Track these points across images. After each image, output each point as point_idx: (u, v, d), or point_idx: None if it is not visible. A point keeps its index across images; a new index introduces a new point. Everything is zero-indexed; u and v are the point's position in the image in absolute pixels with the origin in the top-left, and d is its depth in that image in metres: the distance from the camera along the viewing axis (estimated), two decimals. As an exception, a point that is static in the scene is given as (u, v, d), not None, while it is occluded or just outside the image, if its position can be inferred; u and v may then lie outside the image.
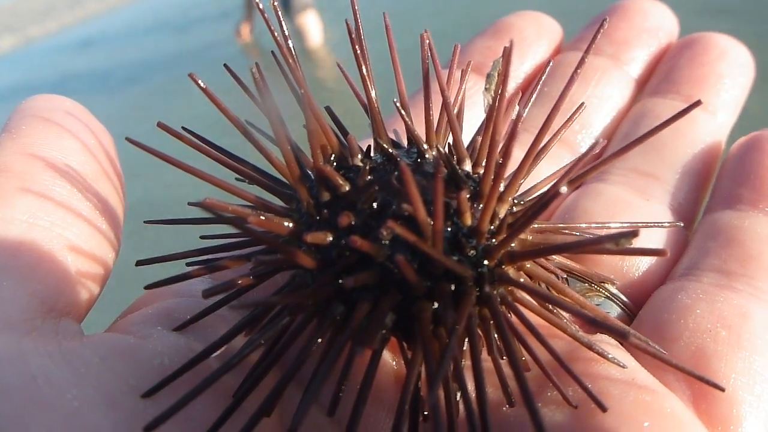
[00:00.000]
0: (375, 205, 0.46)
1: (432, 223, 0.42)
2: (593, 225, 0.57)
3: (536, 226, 0.52)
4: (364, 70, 0.52)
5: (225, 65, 0.54)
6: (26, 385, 0.40)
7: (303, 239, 0.43)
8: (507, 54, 0.48)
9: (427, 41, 0.54)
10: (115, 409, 0.41)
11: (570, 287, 0.52)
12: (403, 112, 0.51)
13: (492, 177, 0.43)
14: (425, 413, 0.47)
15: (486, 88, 0.51)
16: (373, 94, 0.51)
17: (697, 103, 0.46)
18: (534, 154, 0.50)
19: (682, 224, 0.62)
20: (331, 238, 0.44)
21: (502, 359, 0.46)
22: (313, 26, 5.55)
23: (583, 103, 0.58)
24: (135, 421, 0.41)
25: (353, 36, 0.52)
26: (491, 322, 0.45)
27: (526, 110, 0.57)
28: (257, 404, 0.44)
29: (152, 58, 6.33)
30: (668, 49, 0.79)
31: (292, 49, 0.50)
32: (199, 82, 0.50)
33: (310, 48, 5.40)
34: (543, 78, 0.56)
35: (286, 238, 0.46)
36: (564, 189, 0.39)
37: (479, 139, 0.53)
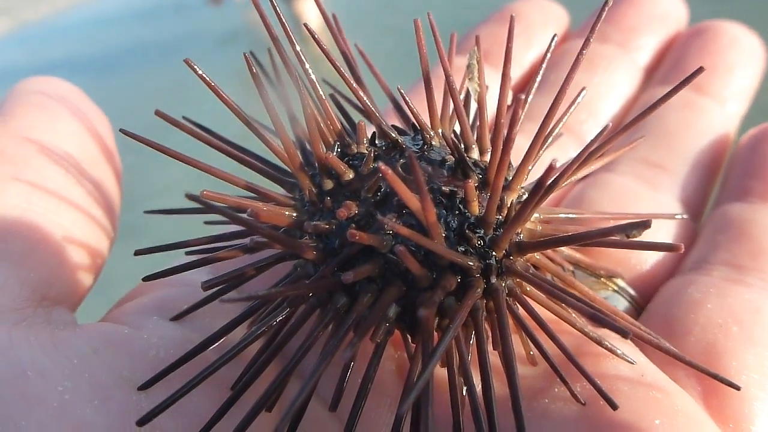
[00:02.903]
0: (379, 193, 0.44)
1: (436, 212, 0.40)
2: (601, 214, 0.56)
3: (544, 216, 0.51)
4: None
5: (245, 55, 0.51)
6: (16, 377, 0.39)
7: (304, 229, 0.42)
8: (511, 29, 0.46)
9: (432, 27, 0.53)
10: (108, 402, 0.40)
11: (578, 280, 0.51)
12: (407, 98, 0.49)
13: (497, 164, 0.42)
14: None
15: (469, 78, 0.49)
16: (350, 76, 0.50)
17: (700, 70, 0.45)
18: (540, 141, 0.49)
19: (685, 216, 0.61)
20: (333, 228, 0.43)
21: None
22: (311, 11, 5.47)
23: (584, 88, 0.56)
24: (128, 415, 0.40)
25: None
26: (496, 314, 0.43)
27: (530, 97, 0.55)
28: (257, 398, 0.43)
29: (150, 43, 6.28)
30: (677, 37, 0.77)
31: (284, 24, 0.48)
32: (196, 68, 0.47)
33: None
34: (545, 65, 0.54)
35: (287, 229, 0.45)
36: (557, 163, 0.37)
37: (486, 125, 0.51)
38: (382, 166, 0.36)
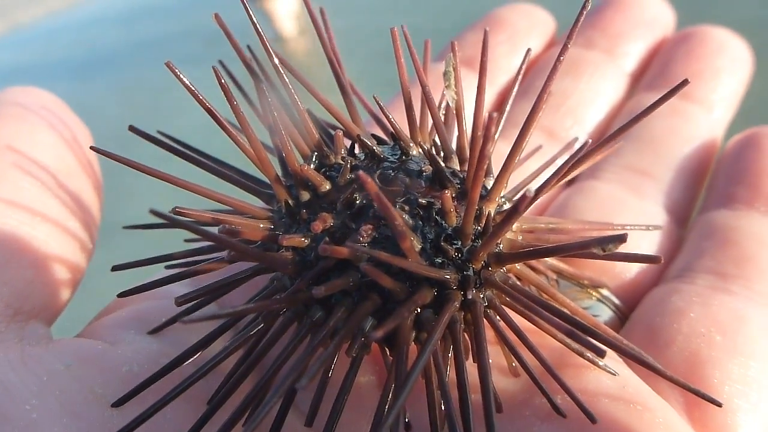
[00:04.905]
0: (356, 205, 0.44)
1: (412, 223, 0.40)
2: (584, 223, 0.55)
3: (526, 226, 0.50)
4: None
5: (214, 68, 0.50)
6: None
7: (279, 242, 0.41)
8: (485, 42, 0.45)
9: (405, 35, 0.52)
10: (78, 420, 0.40)
11: (561, 289, 0.51)
12: (384, 108, 0.49)
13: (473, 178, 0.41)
14: (406, 420, 0.46)
15: (446, 86, 0.49)
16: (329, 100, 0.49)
17: (685, 82, 0.44)
18: (520, 150, 0.48)
19: (660, 227, 0.60)
20: (308, 241, 0.42)
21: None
22: (281, 9, 5.06)
23: (550, 92, 0.56)
24: None
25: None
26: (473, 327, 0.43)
27: (508, 107, 0.54)
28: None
29: (147, 44, 6.26)
30: (664, 43, 0.77)
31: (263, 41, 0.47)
32: (177, 71, 0.45)
33: (282, 35, 5.07)
34: (521, 73, 0.53)
35: (263, 242, 0.44)
36: (531, 191, 0.36)
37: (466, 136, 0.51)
38: (361, 172, 0.35)
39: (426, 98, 0.46)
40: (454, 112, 0.49)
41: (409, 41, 0.47)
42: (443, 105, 0.55)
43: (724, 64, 0.71)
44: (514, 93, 0.51)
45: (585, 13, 0.47)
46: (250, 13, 0.47)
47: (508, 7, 0.80)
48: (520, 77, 0.51)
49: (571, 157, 0.45)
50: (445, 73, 0.48)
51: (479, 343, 0.41)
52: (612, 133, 0.46)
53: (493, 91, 0.75)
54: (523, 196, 0.35)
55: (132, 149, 0.43)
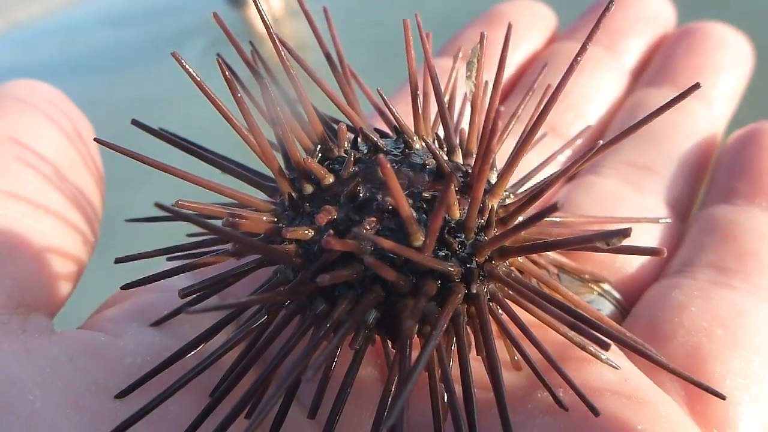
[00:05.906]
0: (359, 197, 0.44)
1: (416, 216, 0.40)
2: (587, 218, 0.55)
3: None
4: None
5: (218, 60, 0.50)
6: None
7: (282, 235, 0.41)
8: (507, 37, 0.46)
9: (418, 27, 0.52)
10: (81, 411, 0.40)
11: (562, 284, 0.51)
12: (387, 100, 0.49)
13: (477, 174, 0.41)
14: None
15: (467, 76, 0.49)
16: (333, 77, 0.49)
17: (696, 86, 0.44)
18: (528, 147, 0.48)
19: (668, 220, 0.61)
20: (312, 233, 0.42)
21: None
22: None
23: (549, 85, 0.56)
24: (102, 423, 0.39)
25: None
26: (478, 320, 0.43)
27: (522, 106, 0.55)
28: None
29: (142, 43, 6.24)
30: (665, 39, 0.77)
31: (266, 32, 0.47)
32: (183, 61, 0.45)
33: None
34: (541, 74, 0.54)
35: (266, 235, 0.44)
36: (561, 203, 0.37)
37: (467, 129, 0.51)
38: (381, 156, 0.35)
39: (434, 89, 0.46)
40: (470, 104, 0.49)
41: (422, 31, 0.47)
42: (446, 99, 0.55)
43: (725, 59, 0.72)
44: (532, 92, 0.52)
45: (607, 14, 0.47)
46: (261, 9, 0.47)
47: (510, 3, 0.80)
48: (539, 79, 0.51)
49: (580, 157, 0.45)
50: (469, 63, 0.48)
51: (486, 336, 0.41)
52: (623, 132, 0.46)
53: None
54: (552, 207, 0.35)
55: (133, 147, 0.43)
